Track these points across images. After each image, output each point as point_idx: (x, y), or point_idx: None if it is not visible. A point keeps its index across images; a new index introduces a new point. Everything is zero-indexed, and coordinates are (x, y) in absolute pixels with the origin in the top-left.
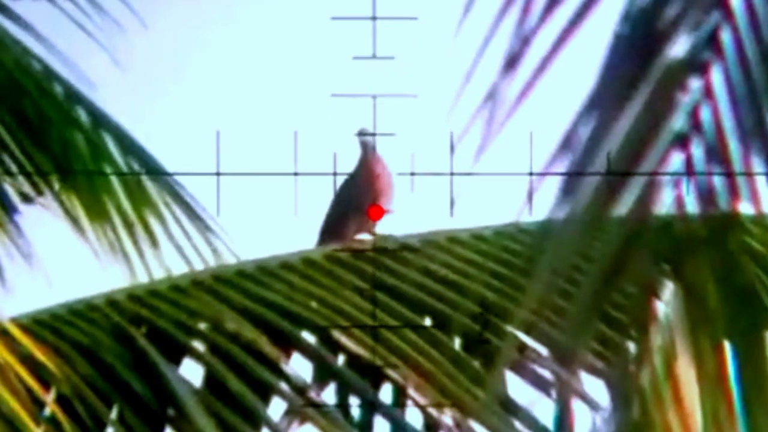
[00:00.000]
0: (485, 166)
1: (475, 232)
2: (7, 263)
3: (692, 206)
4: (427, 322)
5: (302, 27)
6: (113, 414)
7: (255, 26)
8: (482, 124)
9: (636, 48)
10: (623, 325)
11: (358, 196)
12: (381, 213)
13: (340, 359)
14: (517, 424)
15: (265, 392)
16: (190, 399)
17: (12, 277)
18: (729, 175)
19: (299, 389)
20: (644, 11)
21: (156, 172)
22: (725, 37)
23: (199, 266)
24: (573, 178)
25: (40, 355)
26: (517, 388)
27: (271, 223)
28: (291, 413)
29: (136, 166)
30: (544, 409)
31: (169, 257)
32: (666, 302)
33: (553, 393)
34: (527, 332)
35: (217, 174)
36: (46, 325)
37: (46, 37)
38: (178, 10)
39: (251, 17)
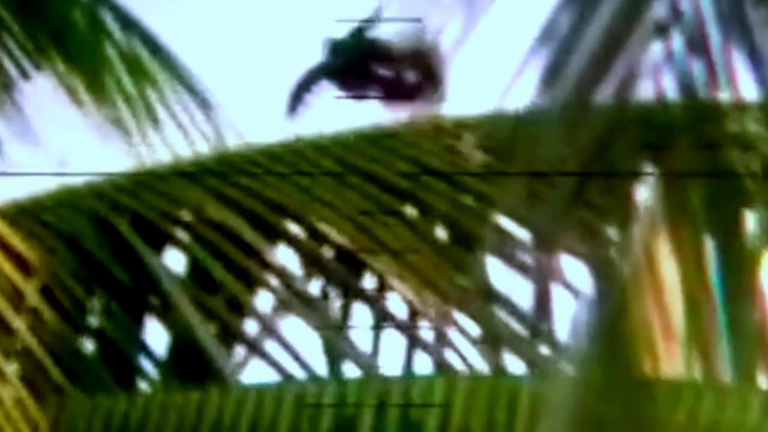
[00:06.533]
0: (467, 56)
1: (458, 119)
2: (6, 141)
3: (672, 95)
4: (411, 210)
5: None
6: (95, 302)
7: None
8: (463, 14)
9: None
10: (605, 211)
11: None
12: None
13: (324, 250)
14: (498, 311)
15: (251, 283)
16: (174, 288)
17: (12, 155)
18: (709, 64)
19: (285, 280)
20: None
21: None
22: None
23: (202, 146)
24: (554, 67)
25: (20, 243)
26: (499, 274)
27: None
28: (278, 305)
29: (136, 43)
30: (524, 295)
31: (172, 137)
32: (647, 190)
33: (534, 278)
34: (510, 218)
35: None
36: (26, 213)
37: None
38: None
39: None
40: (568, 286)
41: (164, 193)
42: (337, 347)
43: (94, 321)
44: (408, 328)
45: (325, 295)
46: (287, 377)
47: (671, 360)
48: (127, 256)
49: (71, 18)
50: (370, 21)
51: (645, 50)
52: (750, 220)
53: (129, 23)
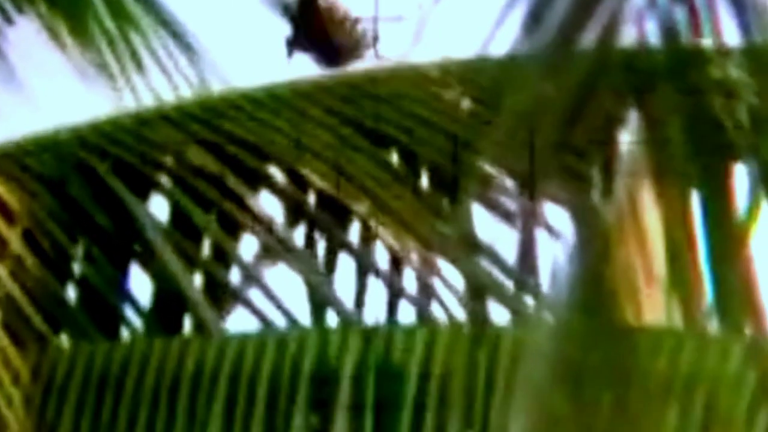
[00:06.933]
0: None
1: (441, 65)
2: None
3: (655, 41)
4: (394, 157)
5: None
6: (78, 249)
7: None
8: None
9: None
10: (590, 157)
11: None
12: None
13: (308, 196)
14: (482, 260)
15: (235, 231)
16: (157, 236)
17: None
18: (692, 9)
19: (269, 227)
20: None
21: None
22: None
23: (185, 91)
24: (537, 12)
25: (1, 187)
26: (483, 221)
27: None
28: (263, 253)
29: None
30: (509, 243)
31: (156, 81)
32: (631, 136)
33: (519, 225)
34: (494, 165)
35: None
36: (9, 157)
37: None
38: None
39: None
40: (552, 233)
41: (147, 138)
42: (321, 295)
43: (77, 268)
44: (391, 277)
45: (309, 243)
46: (268, 325)
47: (653, 308)
48: (110, 202)
49: None
50: None
51: None
52: (738, 173)
53: None
